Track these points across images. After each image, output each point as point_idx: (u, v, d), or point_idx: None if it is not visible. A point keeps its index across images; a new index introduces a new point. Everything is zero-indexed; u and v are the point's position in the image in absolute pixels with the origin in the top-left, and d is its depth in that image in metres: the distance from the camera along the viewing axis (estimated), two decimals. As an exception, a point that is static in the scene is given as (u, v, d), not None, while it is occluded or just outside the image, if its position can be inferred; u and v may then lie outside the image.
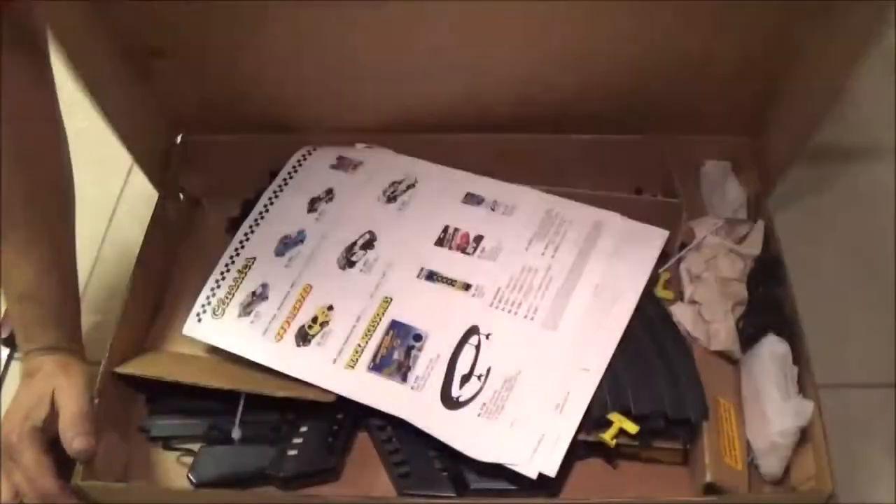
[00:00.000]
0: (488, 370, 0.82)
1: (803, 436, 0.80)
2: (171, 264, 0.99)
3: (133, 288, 0.90)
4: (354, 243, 0.91)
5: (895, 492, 0.84)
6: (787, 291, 0.88)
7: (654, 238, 0.89)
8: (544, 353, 0.83)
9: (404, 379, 0.82)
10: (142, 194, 1.05)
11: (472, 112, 0.97)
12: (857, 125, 1.09)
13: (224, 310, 0.88)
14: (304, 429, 0.84)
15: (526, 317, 0.85)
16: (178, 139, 1.02)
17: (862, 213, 1.03)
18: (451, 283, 0.88)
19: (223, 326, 0.88)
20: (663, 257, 0.90)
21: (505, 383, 0.81)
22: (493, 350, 0.83)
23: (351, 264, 0.89)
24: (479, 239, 0.90)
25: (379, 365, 0.83)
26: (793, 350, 0.83)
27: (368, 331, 0.85)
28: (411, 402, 0.81)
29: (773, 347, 0.83)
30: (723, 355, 0.85)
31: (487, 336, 0.84)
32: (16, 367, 0.95)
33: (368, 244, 0.91)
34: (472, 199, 0.94)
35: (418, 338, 0.84)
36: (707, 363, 0.84)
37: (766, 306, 0.86)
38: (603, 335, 0.83)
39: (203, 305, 0.89)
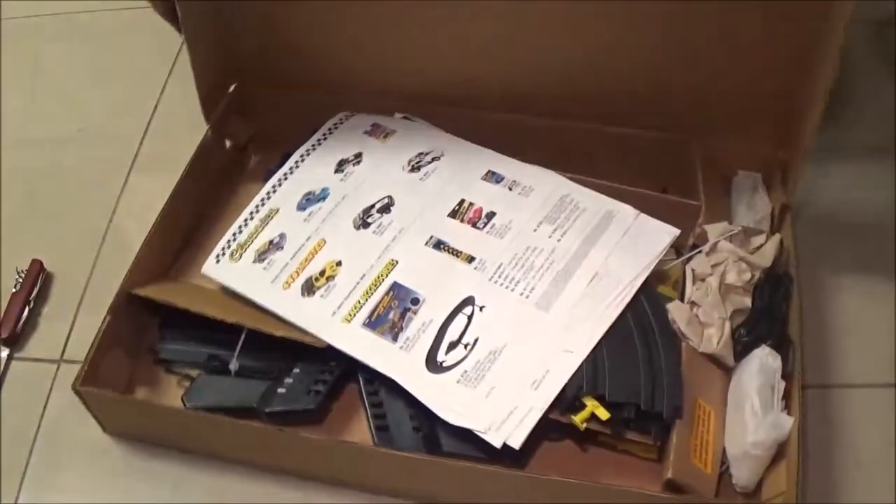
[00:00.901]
0: (476, 340, 0.83)
1: (779, 451, 0.79)
2: (207, 205, 1.03)
3: (162, 219, 0.94)
4: (372, 206, 0.94)
5: (895, 492, 0.83)
6: (794, 307, 0.87)
7: (663, 234, 0.89)
8: (532, 332, 0.84)
9: (395, 339, 0.84)
10: (142, 194, 1.09)
11: (510, 93, 1.00)
12: (857, 125, 1.08)
13: (241, 254, 0.92)
14: (296, 370, 0.87)
15: (522, 294, 0.86)
16: (232, 88, 1.06)
17: (862, 212, 1.02)
18: (456, 253, 0.89)
19: (238, 269, 0.92)
20: (677, 257, 0.90)
21: (489, 355, 0.82)
22: (485, 322, 0.85)
23: (366, 225, 0.92)
24: (491, 215, 0.92)
25: (374, 322, 0.86)
26: (786, 366, 0.82)
27: (370, 289, 0.87)
28: (398, 360, 0.83)
29: (764, 359, 0.82)
30: (714, 360, 0.85)
31: (481, 308, 0.85)
32: (15, 366, 0.97)
33: (385, 208, 0.93)
34: (492, 176, 0.95)
35: (415, 301, 0.86)
36: (695, 364, 0.83)
37: (766, 318, 0.85)
38: (592, 321, 0.83)
39: (223, 248, 0.93)
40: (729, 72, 0.94)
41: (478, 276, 0.88)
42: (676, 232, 0.89)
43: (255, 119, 1.07)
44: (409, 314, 0.86)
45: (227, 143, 1.07)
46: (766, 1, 0.88)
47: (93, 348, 0.86)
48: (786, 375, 0.82)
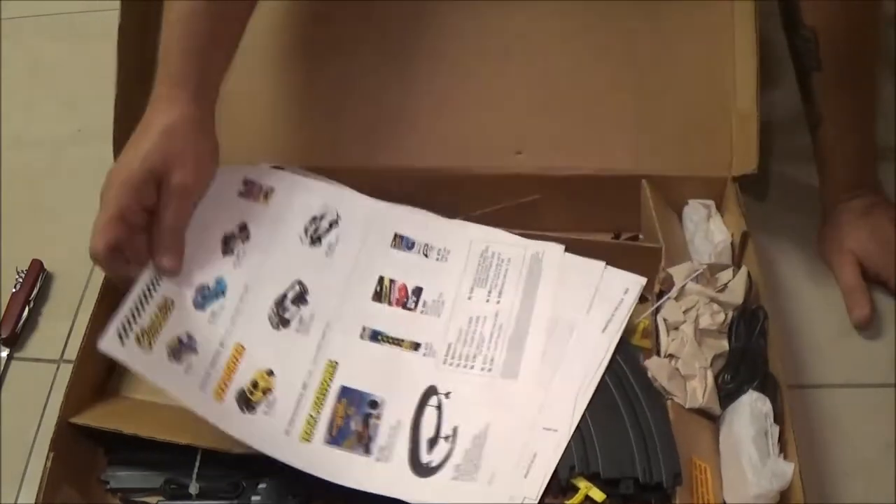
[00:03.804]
0: (455, 430, 0.78)
1: (783, 497, 0.76)
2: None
3: (92, 332, 0.85)
4: (284, 296, 0.84)
5: (895, 492, 0.82)
6: (773, 342, 0.84)
7: (594, 270, 0.86)
8: (509, 404, 0.79)
9: (367, 451, 0.78)
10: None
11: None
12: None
13: (151, 344, 0.77)
14: (262, 485, 0.81)
15: (483, 369, 0.81)
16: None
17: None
18: (397, 342, 0.84)
19: (153, 363, 0.77)
20: (642, 303, 0.86)
21: (475, 440, 0.78)
22: (456, 408, 0.80)
23: (285, 322, 0.83)
24: (417, 292, 0.86)
25: (337, 437, 0.79)
26: (775, 406, 0.79)
27: (318, 400, 0.80)
28: (379, 474, 0.77)
29: (754, 405, 0.79)
30: (700, 411, 0.81)
31: (447, 395, 0.80)
32: (15, 366, 0.98)
33: (300, 298, 0.85)
34: (401, 241, 0.89)
35: (374, 404, 0.80)
36: (683, 420, 0.80)
37: (747, 360, 0.82)
38: (569, 388, 0.79)
39: (124, 326, 0.76)
40: (666, 99, 0.93)
41: (430, 363, 0.82)
42: (643, 281, 0.85)
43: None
44: (372, 420, 0.79)
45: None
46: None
47: (41, 492, 0.78)
48: (776, 417, 0.79)
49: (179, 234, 0.80)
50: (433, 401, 0.80)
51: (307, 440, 0.78)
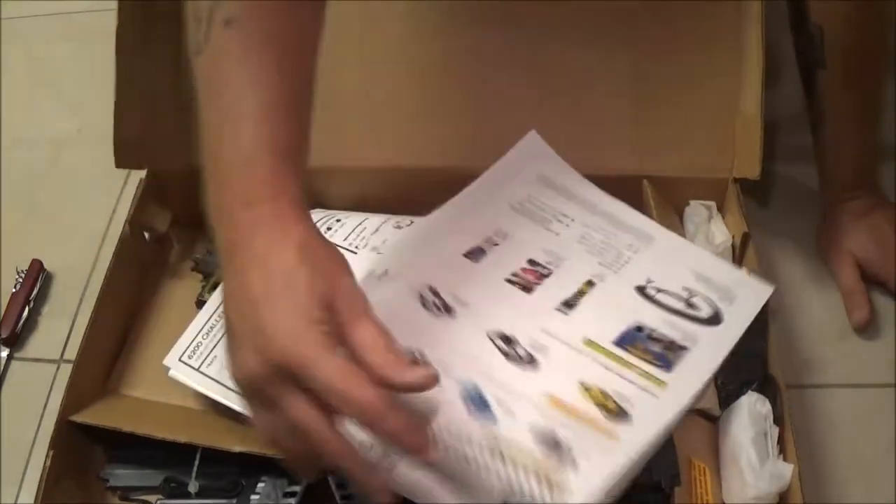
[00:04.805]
0: (689, 291, 0.80)
1: (782, 499, 0.76)
2: (135, 306, 0.95)
3: (91, 330, 0.87)
4: (499, 349, 0.76)
5: (895, 492, 0.82)
6: (772, 343, 0.84)
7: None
8: (667, 253, 0.84)
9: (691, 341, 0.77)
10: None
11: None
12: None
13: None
14: (262, 484, 0.82)
15: (634, 252, 0.84)
16: (144, 174, 0.99)
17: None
18: (580, 294, 0.80)
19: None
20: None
21: (702, 284, 0.80)
22: (669, 282, 0.81)
23: (530, 359, 0.75)
24: (533, 262, 0.83)
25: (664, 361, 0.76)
26: (775, 409, 0.80)
27: (616, 362, 0.75)
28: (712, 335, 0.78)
29: (753, 406, 0.79)
30: (700, 412, 0.81)
31: (651, 281, 0.81)
32: (16, 366, 0.98)
33: (507, 339, 0.76)
34: (473, 254, 0.83)
35: (642, 328, 0.77)
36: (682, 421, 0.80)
37: (747, 361, 0.82)
38: None
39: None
40: (669, 99, 0.93)
41: (610, 281, 0.81)
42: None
43: (172, 204, 1.00)
44: (658, 338, 0.77)
45: (147, 236, 0.99)
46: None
47: (40, 490, 0.78)
48: (776, 419, 0.79)
49: (398, 350, 0.60)
50: (650, 291, 0.80)
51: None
